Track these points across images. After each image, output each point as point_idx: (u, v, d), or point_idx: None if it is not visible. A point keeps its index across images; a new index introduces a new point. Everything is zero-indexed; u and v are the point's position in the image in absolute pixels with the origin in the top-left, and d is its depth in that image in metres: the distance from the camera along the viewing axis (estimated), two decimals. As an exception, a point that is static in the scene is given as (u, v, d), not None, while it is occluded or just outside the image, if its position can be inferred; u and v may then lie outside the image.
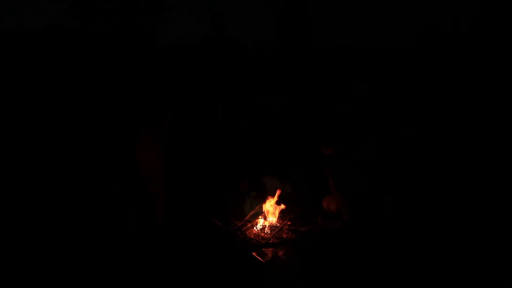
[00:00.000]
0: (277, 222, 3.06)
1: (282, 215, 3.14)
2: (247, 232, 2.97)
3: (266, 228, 2.99)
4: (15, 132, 4.59)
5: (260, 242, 2.83)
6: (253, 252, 2.69)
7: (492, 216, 2.94)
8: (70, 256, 2.68)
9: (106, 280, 2.42)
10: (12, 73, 5.72)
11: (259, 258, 2.62)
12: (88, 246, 2.77)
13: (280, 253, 2.70)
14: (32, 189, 3.65)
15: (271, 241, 2.83)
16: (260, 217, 3.10)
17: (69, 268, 2.54)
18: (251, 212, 3.20)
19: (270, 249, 2.74)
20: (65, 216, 3.22)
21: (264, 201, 3.17)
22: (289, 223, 3.04)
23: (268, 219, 3.07)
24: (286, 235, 2.93)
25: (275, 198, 3.15)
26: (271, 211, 3.10)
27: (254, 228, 3.01)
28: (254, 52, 5.68)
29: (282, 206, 3.13)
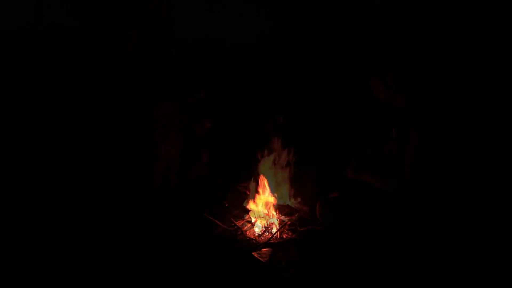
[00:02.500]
0: (274, 220, 3.06)
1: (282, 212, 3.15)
2: (247, 232, 2.97)
3: (266, 228, 2.98)
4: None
5: (260, 242, 2.83)
6: (253, 252, 2.69)
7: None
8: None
9: (106, 280, 2.43)
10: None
11: (259, 258, 2.61)
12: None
13: (280, 253, 2.70)
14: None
15: (271, 241, 2.82)
16: (259, 216, 3.10)
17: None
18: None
19: (270, 249, 2.74)
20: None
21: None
22: (289, 223, 3.04)
23: (268, 219, 3.07)
24: (286, 235, 2.93)
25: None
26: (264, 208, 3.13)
27: (254, 228, 3.01)
28: (255, 52, 5.67)
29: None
